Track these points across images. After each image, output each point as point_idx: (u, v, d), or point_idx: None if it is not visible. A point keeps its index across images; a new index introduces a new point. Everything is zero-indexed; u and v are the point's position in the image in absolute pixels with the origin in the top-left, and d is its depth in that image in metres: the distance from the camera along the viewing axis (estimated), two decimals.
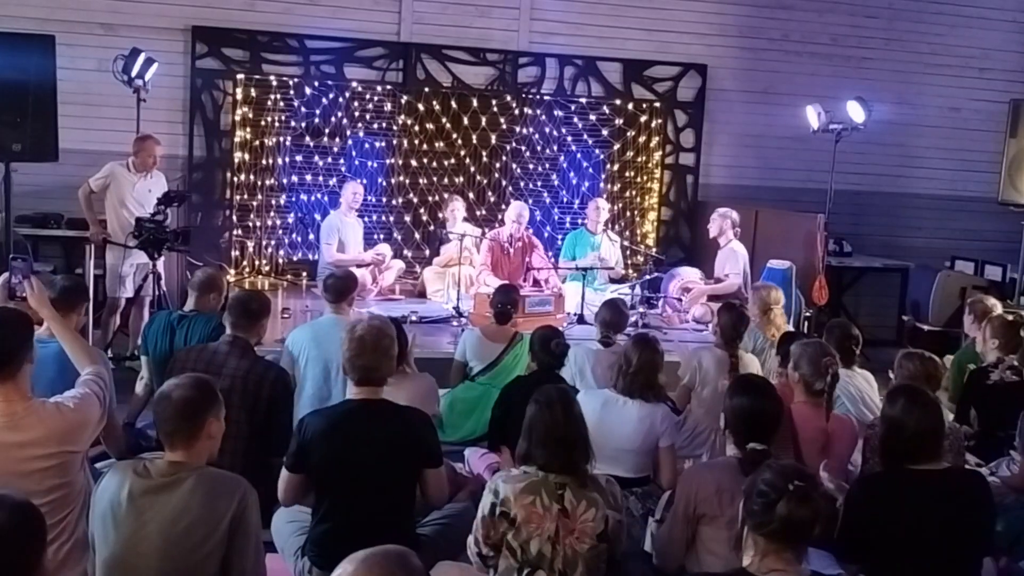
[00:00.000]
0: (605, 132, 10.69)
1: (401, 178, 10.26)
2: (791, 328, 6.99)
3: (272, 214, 9.99)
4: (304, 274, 9.85)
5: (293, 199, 10.08)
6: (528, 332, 6.14)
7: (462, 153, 10.35)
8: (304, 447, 3.79)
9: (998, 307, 6.41)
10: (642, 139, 10.78)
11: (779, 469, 2.94)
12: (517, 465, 3.60)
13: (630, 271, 10.11)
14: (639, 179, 10.91)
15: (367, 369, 3.86)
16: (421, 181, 10.27)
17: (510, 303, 6.66)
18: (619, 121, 10.70)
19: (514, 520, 3.41)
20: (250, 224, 9.95)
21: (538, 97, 10.49)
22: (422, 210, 10.31)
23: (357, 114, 10.05)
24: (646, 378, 4.78)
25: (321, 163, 10.03)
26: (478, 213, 10.19)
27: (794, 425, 4.48)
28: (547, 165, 10.67)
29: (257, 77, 9.76)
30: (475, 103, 10.25)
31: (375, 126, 10.16)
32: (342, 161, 10.13)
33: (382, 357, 3.89)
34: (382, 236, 10.16)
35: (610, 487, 3.58)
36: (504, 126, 10.38)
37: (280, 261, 10.09)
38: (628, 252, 9.97)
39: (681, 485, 3.80)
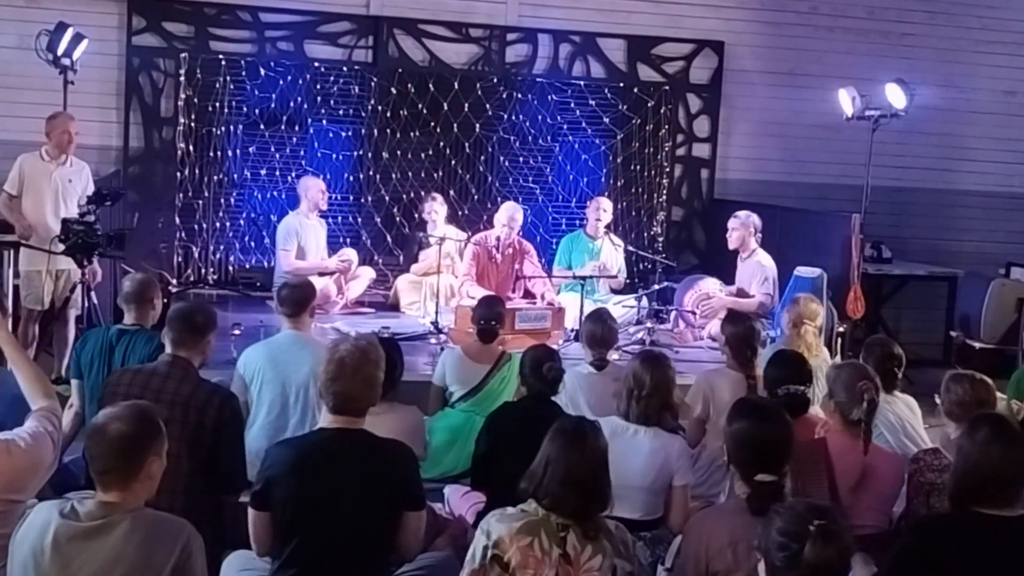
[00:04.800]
0: (607, 120, 10.72)
1: (371, 172, 10.26)
2: (824, 349, 6.99)
3: (221, 214, 9.99)
4: (258, 284, 9.83)
5: (245, 197, 10.08)
6: (518, 351, 6.14)
7: (441, 144, 10.37)
8: (269, 482, 3.79)
9: None
10: (649, 128, 10.81)
11: (790, 512, 2.95)
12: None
13: (636, 280, 10.12)
14: (646, 174, 10.93)
15: (343, 396, 3.85)
16: (394, 176, 10.27)
17: (495, 318, 6.64)
18: (623, 107, 10.73)
19: (508, 565, 3.40)
20: (196, 226, 9.94)
21: (529, 79, 10.51)
22: (395, 209, 10.31)
23: (320, 99, 10.05)
24: (662, 399, 4.80)
25: (278, 155, 10.03)
26: (460, 213, 10.20)
27: (830, 459, 4.49)
28: (540, 158, 10.69)
29: (203, 56, 9.75)
30: (456, 86, 10.26)
31: (340, 112, 10.16)
32: (302, 153, 10.13)
33: (362, 385, 3.87)
34: (349, 240, 10.16)
35: (620, 533, 3.58)
36: (490, 112, 10.40)
37: (231, 269, 10.09)
38: (633, 258, 9.99)
39: (688, 538, 3.79)
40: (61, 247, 7.42)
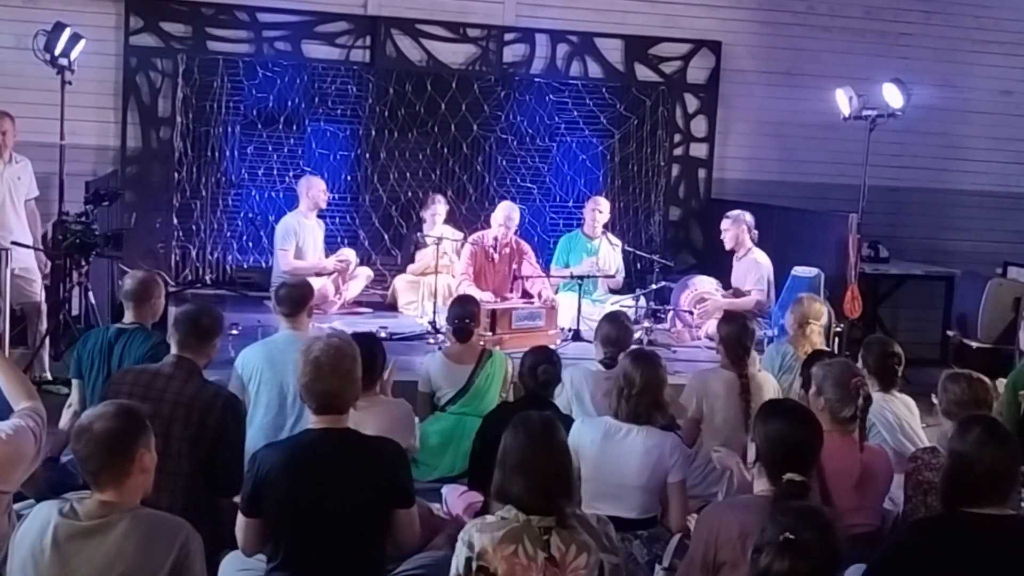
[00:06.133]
0: (604, 119, 10.73)
1: (368, 172, 10.27)
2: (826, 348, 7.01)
3: (219, 214, 9.99)
4: (256, 284, 9.82)
5: (243, 197, 10.09)
6: (515, 351, 6.15)
7: (439, 144, 10.37)
8: (259, 486, 3.80)
9: None
10: (647, 127, 10.82)
11: (780, 519, 2.99)
12: (493, 505, 3.60)
13: (633, 280, 10.12)
14: (644, 173, 10.94)
15: (327, 395, 3.87)
16: (392, 176, 10.28)
17: (468, 316, 6.65)
18: (620, 107, 10.74)
19: (495, 575, 3.42)
20: (193, 226, 9.94)
21: (527, 79, 10.52)
22: (393, 209, 10.32)
23: (317, 99, 10.06)
24: (652, 398, 4.81)
25: (276, 155, 10.04)
26: (457, 213, 10.19)
27: (820, 459, 4.49)
28: (537, 158, 10.70)
29: (201, 56, 9.75)
30: (454, 86, 10.27)
31: (338, 112, 10.17)
32: (300, 153, 10.14)
33: (344, 381, 3.89)
34: (346, 240, 10.17)
35: (602, 527, 3.61)
36: (487, 112, 10.40)
37: (228, 268, 10.09)
38: (631, 258, 10.00)
39: (700, 527, 3.81)
40: (20, 248, 7.43)
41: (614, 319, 6.22)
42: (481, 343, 6.76)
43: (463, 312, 6.65)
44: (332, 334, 4.23)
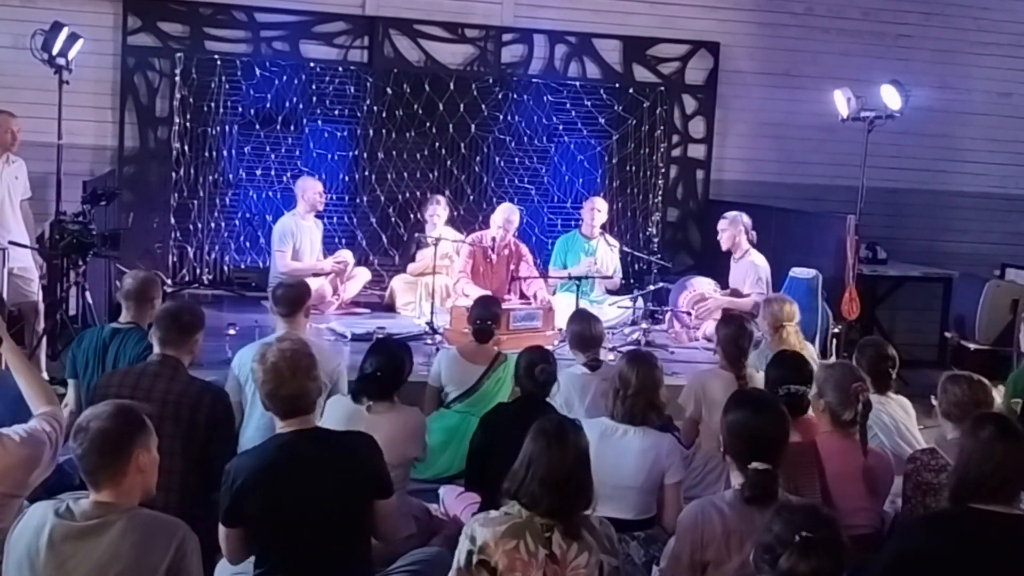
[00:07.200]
0: (602, 120, 10.73)
1: (366, 173, 10.26)
2: (813, 349, 7.00)
3: (216, 214, 9.98)
4: (253, 284, 9.81)
5: (241, 197, 10.08)
6: (513, 351, 6.14)
7: (437, 144, 10.37)
8: (237, 496, 3.77)
9: None
10: (645, 128, 10.82)
11: (788, 517, 2.98)
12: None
13: (631, 281, 10.12)
14: (642, 174, 10.94)
15: (292, 399, 3.86)
16: (390, 176, 10.27)
17: (491, 318, 6.64)
18: (618, 108, 10.74)
19: (495, 569, 3.41)
20: (191, 226, 9.93)
21: (525, 80, 10.52)
22: (391, 210, 10.31)
23: (315, 99, 10.06)
24: (648, 398, 4.81)
25: (273, 155, 10.03)
26: (456, 214, 10.18)
27: (820, 460, 4.49)
28: (535, 158, 10.70)
29: (199, 56, 9.75)
30: (452, 86, 10.27)
31: (336, 113, 10.16)
32: (298, 153, 10.13)
33: (305, 380, 3.88)
34: (344, 240, 10.16)
35: (604, 529, 3.61)
36: (485, 113, 10.39)
37: (226, 269, 10.08)
38: (629, 259, 9.99)
39: (683, 526, 3.81)
40: (18, 248, 7.42)
41: (582, 317, 6.23)
42: (496, 347, 6.73)
43: (486, 313, 6.64)
44: (282, 337, 4.21)
